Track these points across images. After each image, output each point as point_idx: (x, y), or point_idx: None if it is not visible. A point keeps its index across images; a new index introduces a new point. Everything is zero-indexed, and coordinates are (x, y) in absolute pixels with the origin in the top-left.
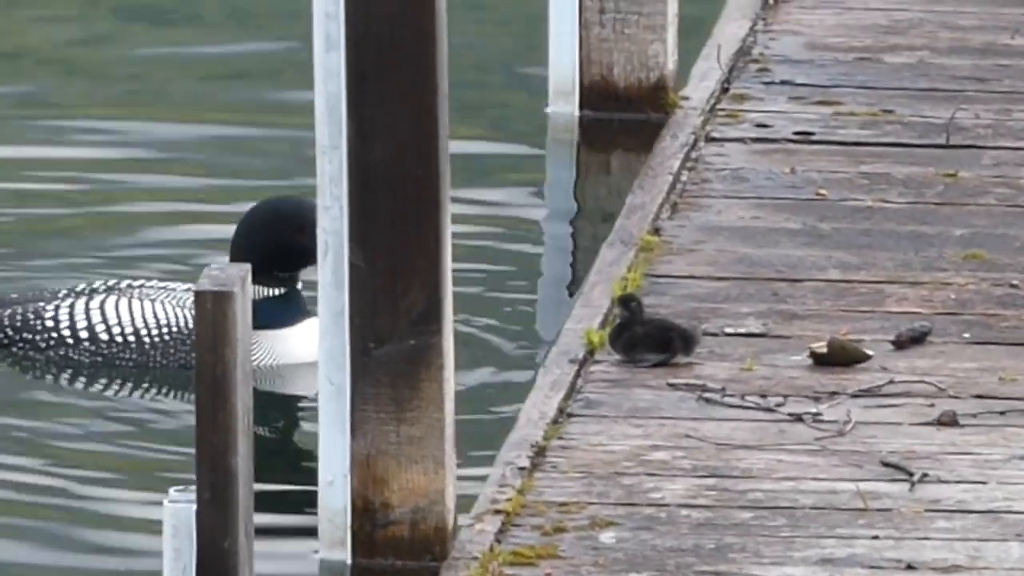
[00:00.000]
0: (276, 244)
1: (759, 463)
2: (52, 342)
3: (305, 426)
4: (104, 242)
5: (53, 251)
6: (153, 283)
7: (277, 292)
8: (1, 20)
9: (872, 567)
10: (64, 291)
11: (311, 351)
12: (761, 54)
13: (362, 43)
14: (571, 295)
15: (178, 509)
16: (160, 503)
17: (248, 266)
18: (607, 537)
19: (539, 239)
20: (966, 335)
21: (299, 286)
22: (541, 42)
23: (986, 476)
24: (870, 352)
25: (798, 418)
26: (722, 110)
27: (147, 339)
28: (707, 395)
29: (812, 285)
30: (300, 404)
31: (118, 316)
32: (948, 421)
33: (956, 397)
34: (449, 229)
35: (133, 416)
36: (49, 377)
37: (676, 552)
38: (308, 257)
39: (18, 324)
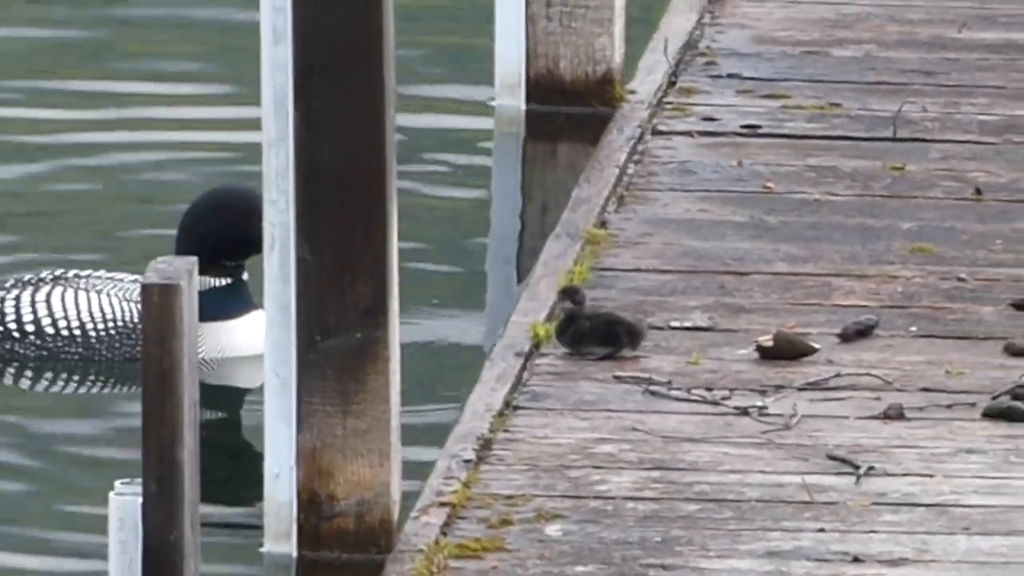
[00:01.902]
0: (224, 232)
1: (705, 456)
2: None
3: (251, 419)
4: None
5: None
6: (100, 273)
7: (223, 283)
8: None
9: (818, 560)
10: (11, 281)
11: (257, 343)
12: (708, 47)
13: (310, 37)
14: (518, 288)
15: (124, 502)
16: (106, 496)
17: (195, 259)
18: (553, 530)
19: (485, 232)
20: (913, 328)
21: (245, 277)
22: (487, 35)
23: (932, 469)
24: (816, 345)
25: (744, 411)
26: (669, 103)
27: (93, 332)
28: (653, 388)
29: (759, 278)
30: (246, 397)
31: (64, 309)
32: (894, 414)
33: (902, 390)
34: (395, 222)
35: (79, 409)
36: None
37: (622, 545)
38: (256, 245)
39: None
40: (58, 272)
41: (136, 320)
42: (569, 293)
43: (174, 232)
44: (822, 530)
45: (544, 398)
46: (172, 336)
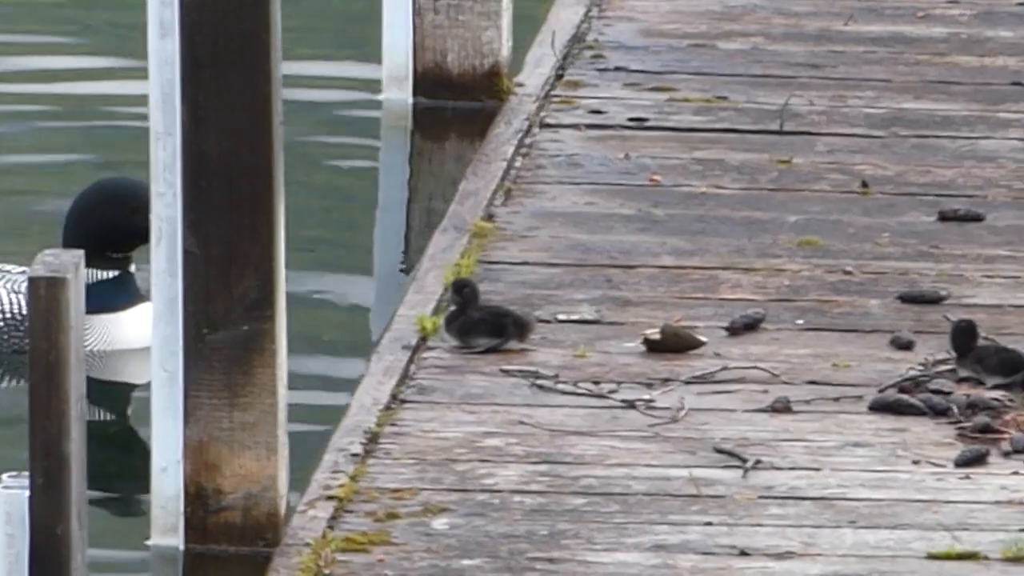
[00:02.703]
0: (109, 224)
1: (592, 449)
2: None
3: (138, 412)
4: None
5: None
6: None
7: (110, 275)
8: None
9: (705, 553)
10: None
11: (145, 335)
12: (596, 40)
13: (197, 30)
14: (404, 281)
15: (11, 495)
16: None
17: (82, 252)
18: (440, 523)
19: (372, 225)
20: (799, 321)
21: (132, 268)
22: (375, 28)
23: (819, 463)
24: (703, 339)
25: (631, 405)
26: (556, 96)
27: None
28: (540, 382)
29: (646, 271)
30: (133, 390)
31: None
32: (781, 408)
33: (789, 383)
34: (282, 216)
35: None
36: None
37: (509, 538)
38: (142, 237)
39: None
40: None
41: (24, 312)
42: (459, 287)
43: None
44: (709, 523)
45: (431, 391)
46: (59, 329)
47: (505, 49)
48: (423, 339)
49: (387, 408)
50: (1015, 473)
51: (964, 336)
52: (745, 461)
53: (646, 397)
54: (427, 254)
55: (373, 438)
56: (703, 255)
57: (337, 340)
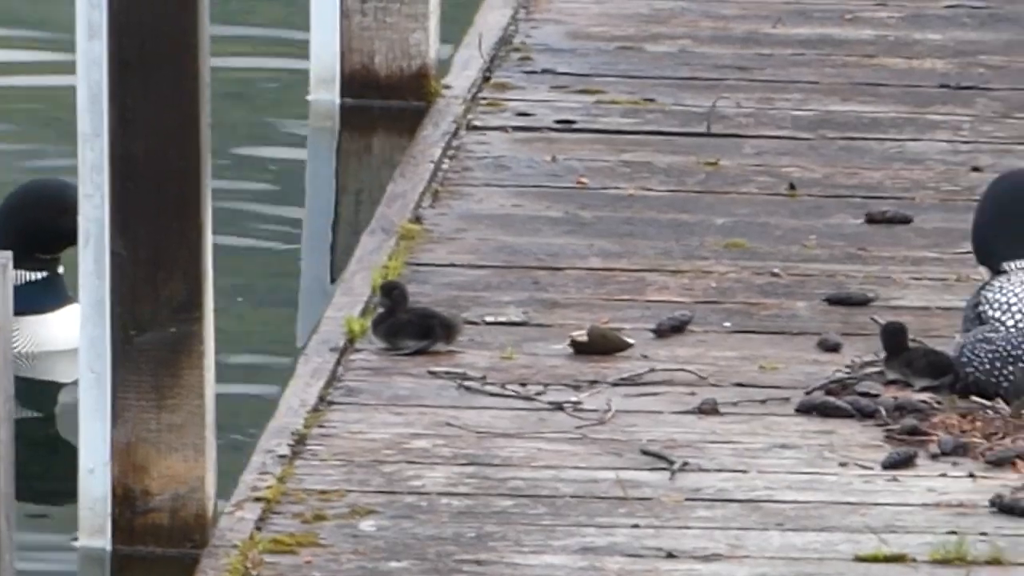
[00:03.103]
0: (36, 226)
1: (519, 451)
2: None
3: (66, 414)
4: None
5: None
6: None
7: (38, 276)
8: None
9: (632, 555)
10: None
11: (73, 337)
12: (523, 43)
13: (125, 31)
14: (332, 283)
15: None
16: None
17: (9, 253)
18: (367, 525)
19: (300, 227)
20: (727, 324)
21: (60, 270)
22: (302, 30)
23: (746, 465)
24: (631, 341)
25: (558, 407)
26: (484, 98)
27: None
28: (467, 383)
29: (573, 273)
30: (61, 391)
31: None
32: (708, 410)
33: (717, 386)
34: (210, 217)
35: None
36: None
37: (436, 540)
38: (69, 238)
39: None
40: None
41: None
42: (387, 290)
43: None
44: (636, 526)
45: (359, 393)
46: None
47: (432, 51)
48: (351, 341)
49: (315, 410)
50: (942, 475)
51: (895, 337)
52: (672, 463)
53: (573, 399)
54: (355, 256)
55: (301, 440)
56: (630, 257)
57: (265, 342)
